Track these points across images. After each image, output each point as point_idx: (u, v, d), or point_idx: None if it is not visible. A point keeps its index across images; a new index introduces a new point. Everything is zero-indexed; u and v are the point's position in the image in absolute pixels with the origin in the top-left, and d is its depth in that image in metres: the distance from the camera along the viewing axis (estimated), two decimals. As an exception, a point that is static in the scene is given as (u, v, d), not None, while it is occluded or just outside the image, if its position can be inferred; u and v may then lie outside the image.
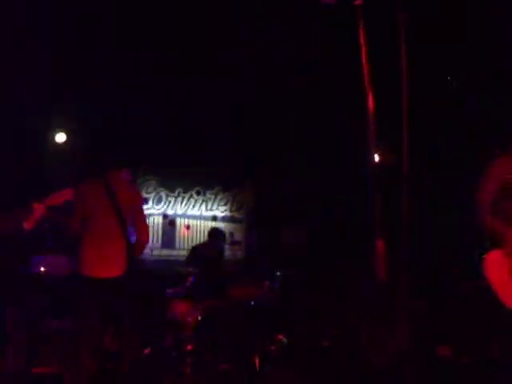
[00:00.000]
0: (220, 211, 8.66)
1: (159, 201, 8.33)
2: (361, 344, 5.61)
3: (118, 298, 3.95)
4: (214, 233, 6.81)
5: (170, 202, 8.38)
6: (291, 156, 8.02)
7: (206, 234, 7.69)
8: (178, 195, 8.46)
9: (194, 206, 8.62)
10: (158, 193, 8.34)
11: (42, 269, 5.66)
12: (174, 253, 8.13)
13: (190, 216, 8.50)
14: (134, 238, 4.10)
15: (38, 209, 3.34)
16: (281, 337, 6.03)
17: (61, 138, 7.30)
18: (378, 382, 4.97)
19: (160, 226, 8.24)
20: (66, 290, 5.37)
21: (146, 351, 5.33)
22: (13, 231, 3.31)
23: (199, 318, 5.49)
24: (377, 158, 6.20)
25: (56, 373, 4.79)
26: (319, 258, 7.28)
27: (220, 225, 8.12)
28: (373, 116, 5.96)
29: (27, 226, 3.31)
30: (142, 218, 4.21)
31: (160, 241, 8.22)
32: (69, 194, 3.54)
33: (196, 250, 6.86)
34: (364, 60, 5.88)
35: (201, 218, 8.56)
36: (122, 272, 3.90)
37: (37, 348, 5.15)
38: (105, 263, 3.89)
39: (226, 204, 8.72)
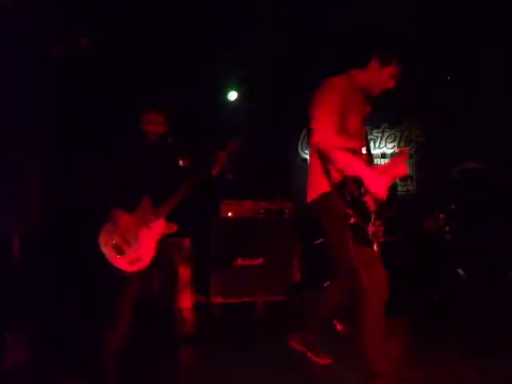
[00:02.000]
0: (388, 148, 8.63)
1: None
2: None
3: None
4: None
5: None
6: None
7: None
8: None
9: (361, 146, 8.72)
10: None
11: (230, 213, 6.19)
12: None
13: (359, 155, 8.61)
14: None
15: (222, 156, 3.64)
16: (459, 270, 6.06)
17: (233, 96, 7.80)
18: None
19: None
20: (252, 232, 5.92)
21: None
22: (205, 178, 3.60)
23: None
24: None
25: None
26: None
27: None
28: None
29: (214, 172, 3.63)
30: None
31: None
32: (239, 142, 3.74)
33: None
34: None
35: (369, 156, 8.62)
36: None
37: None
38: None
39: (393, 140, 8.64)
